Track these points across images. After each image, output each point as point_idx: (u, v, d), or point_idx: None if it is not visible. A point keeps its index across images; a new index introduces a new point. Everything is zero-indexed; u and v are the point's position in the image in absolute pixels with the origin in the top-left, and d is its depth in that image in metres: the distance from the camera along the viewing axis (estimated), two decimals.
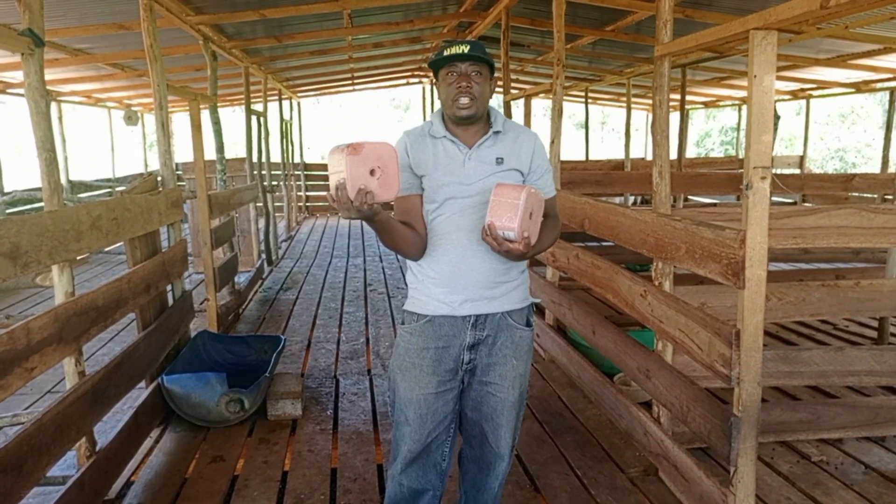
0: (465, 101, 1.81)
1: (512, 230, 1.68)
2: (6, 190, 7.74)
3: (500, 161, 1.89)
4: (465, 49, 1.80)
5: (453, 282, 1.87)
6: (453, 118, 1.87)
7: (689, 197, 9.23)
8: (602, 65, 9.23)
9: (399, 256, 8.36)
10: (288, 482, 2.77)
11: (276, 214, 9.08)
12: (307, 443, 3.13)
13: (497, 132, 1.90)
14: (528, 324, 1.99)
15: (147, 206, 3.18)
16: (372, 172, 1.59)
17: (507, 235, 1.70)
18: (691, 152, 19.39)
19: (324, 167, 14.98)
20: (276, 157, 10.07)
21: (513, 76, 9.39)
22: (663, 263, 2.65)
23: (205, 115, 5.30)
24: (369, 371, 4.15)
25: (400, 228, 1.84)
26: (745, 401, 2.06)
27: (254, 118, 7.53)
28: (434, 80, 1.94)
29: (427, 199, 1.90)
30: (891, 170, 7.98)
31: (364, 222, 1.69)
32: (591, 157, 10.72)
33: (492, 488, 2.05)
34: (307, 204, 13.99)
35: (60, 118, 9.11)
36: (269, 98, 8.68)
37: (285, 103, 10.88)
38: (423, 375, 1.91)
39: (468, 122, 1.88)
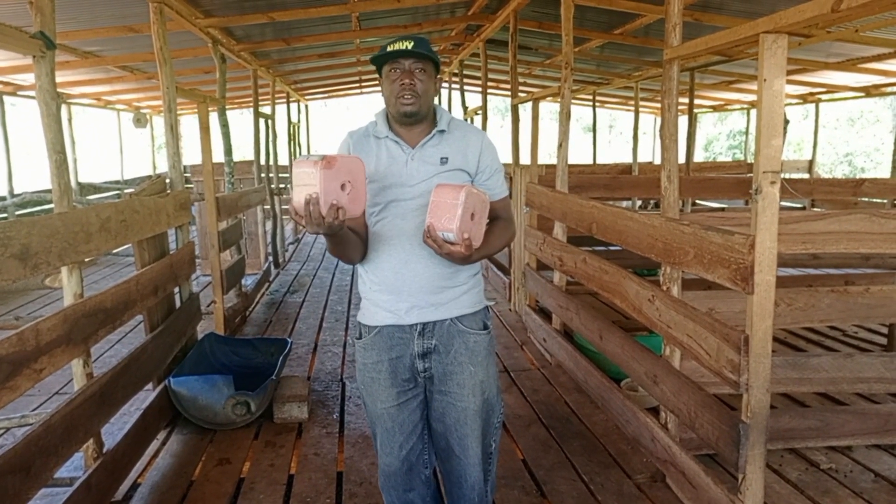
0: (408, 97, 1.74)
1: (451, 231, 1.61)
2: (16, 191, 7.80)
3: (444, 161, 1.81)
4: (409, 45, 1.73)
5: (397, 289, 1.82)
6: (397, 116, 1.80)
7: (697, 201, 9.19)
8: (610, 68, 9.22)
9: None
10: (294, 485, 2.77)
11: (284, 217, 9.10)
12: (313, 446, 3.13)
13: (442, 131, 1.84)
14: (485, 327, 1.92)
15: (155, 209, 3.19)
16: (342, 187, 1.55)
17: (447, 237, 1.63)
18: (699, 156, 19.34)
19: None
20: (283, 159, 10.11)
21: (520, 79, 9.40)
22: (671, 268, 2.63)
23: (213, 118, 5.32)
24: None
25: (351, 236, 1.78)
26: (753, 407, 2.05)
27: (262, 121, 7.56)
28: (378, 79, 1.87)
29: (369, 201, 1.81)
30: None
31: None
32: (599, 161, 10.71)
33: (469, 498, 1.95)
34: None
35: (70, 120, 9.18)
36: (277, 101, 8.72)
37: (293, 106, 10.92)
38: (383, 389, 1.87)
39: (412, 121, 1.81)
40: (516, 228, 1.97)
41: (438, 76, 1.85)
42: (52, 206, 2.37)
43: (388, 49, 1.76)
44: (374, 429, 1.95)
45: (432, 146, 1.83)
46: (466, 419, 1.87)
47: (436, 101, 1.89)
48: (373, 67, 9.65)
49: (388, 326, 1.85)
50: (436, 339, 1.86)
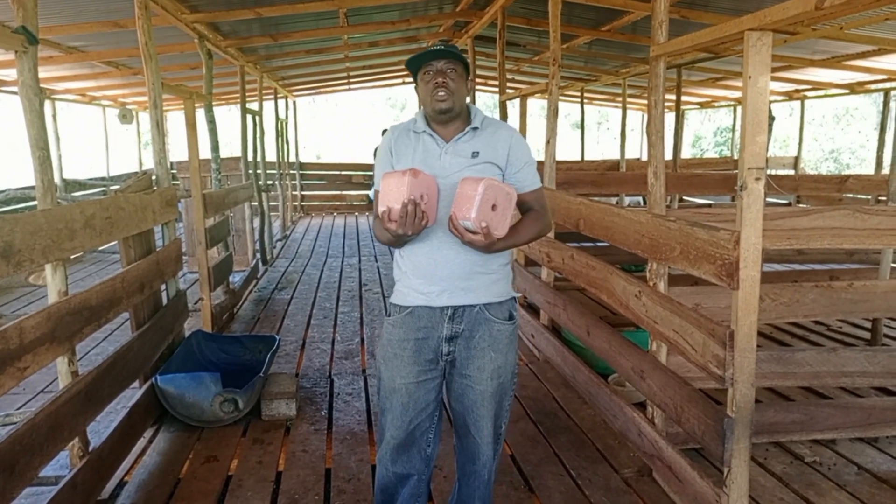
0: (442, 94, 1.89)
1: (469, 220, 1.75)
2: None
3: (475, 155, 1.95)
4: (439, 47, 1.90)
5: (430, 273, 1.94)
6: (432, 114, 1.95)
7: (684, 197, 9.25)
8: (598, 65, 9.24)
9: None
10: (282, 482, 2.77)
11: (272, 214, 9.06)
12: (301, 443, 3.13)
13: (475, 128, 1.97)
14: (510, 317, 2.03)
15: (141, 205, 3.16)
16: (421, 197, 1.77)
17: (467, 226, 1.77)
18: (686, 153, 19.41)
19: (319, 166, 15.02)
20: (271, 156, 10.05)
21: (508, 76, 9.39)
22: (658, 264, 2.65)
23: (200, 114, 5.28)
24: (364, 371, 4.15)
25: None
26: (738, 402, 2.07)
27: (249, 117, 7.52)
28: (414, 83, 2.01)
29: None
30: (884, 171, 8.00)
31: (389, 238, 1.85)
32: (587, 158, 10.74)
33: (481, 475, 2.11)
34: (302, 203, 13.96)
35: (54, 116, 9.07)
36: (264, 97, 8.66)
37: (281, 102, 10.86)
38: (405, 365, 1.99)
39: (447, 118, 1.94)
40: (551, 219, 2.07)
41: (470, 78, 1.99)
42: (35, 202, 2.34)
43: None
44: (385, 404, 2.05)
45: (465, 141, 1.96)
46: (484, 401, 2.00)
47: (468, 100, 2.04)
48: (360, 64, 9.60)
49: (420, 307, 1.97)
50: (464, 325, 1.97)
